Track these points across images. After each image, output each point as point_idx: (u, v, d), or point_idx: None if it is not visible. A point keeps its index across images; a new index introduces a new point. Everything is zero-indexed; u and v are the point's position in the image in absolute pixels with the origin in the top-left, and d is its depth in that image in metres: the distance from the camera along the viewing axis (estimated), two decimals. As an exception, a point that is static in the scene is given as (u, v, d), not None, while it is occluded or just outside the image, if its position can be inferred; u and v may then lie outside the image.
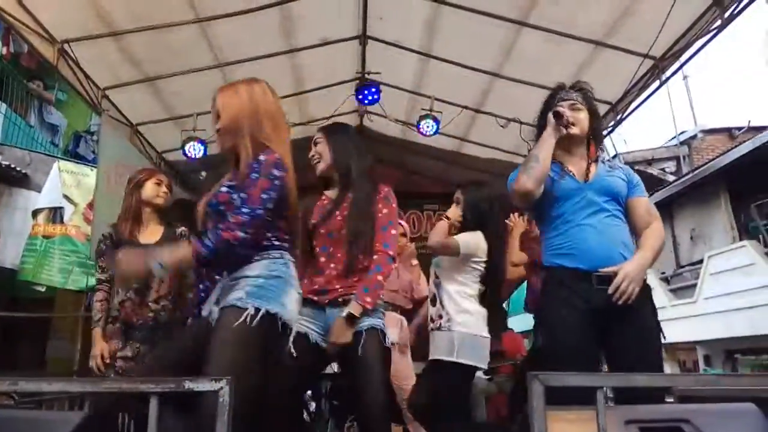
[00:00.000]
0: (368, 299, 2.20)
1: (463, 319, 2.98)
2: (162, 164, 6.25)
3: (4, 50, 6.48)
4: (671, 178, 12.05)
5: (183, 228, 3.04)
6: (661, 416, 1.57)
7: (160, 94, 5.13)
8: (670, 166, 13.04)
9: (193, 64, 4.81)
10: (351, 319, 2.18)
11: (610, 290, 2.04)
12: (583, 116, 2.29)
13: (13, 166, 4.82)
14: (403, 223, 4.25)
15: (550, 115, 2.24)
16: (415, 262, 4.09)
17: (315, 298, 2.29)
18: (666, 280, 10.55)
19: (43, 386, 1.30)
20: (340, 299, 2.26)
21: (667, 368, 9.25)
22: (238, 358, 1.74)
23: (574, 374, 1.29)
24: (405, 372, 3.90)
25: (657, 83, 4.58)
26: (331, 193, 2.46)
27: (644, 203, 2.28)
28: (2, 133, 6.12)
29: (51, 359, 5.36)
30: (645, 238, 2.21)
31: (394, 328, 3.87)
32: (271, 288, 1.86)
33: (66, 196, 5.32)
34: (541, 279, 2.34)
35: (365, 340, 2.20)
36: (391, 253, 2.31)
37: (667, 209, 10.45)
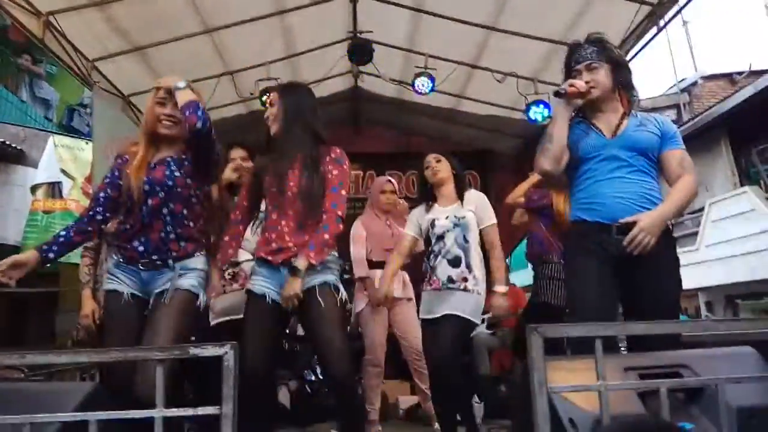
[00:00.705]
0: (312, 254, 2.27)
1: (483, 286, 3.13)
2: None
3: (-11, 25, 6.36)
4: (671, 126, 11.93)
5: None
6: (660, 362, 1.60)
7: (150, 63, 5.04)
8: (671, 114, 12.89)
9: (181, 30, 4.71)
10: (295, 272, 2.26)
11: (625, 242, 2.06)
12: (602, 75, 2.23)
13: (8, 143, 4.78)
14: (393, 180, 4.26)
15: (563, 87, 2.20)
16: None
17: (270, 258, 2.37)
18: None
19: (51, 358, 1.33)
20: (293, 259, 2.32)
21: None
22: (187, 326, 2.23)
23: (571, 325, 1.31)
24: (409, 326, 3.96)
25: (655, 30, 4.49)
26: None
27: (677, 156, 2.22)
28: (-6, 110, 6.07)
29: (60, 332, 5.44)
30: (671, 191, 2.19)
31: (397, 285, 3.91)
32: (205, 280, 2.34)
33: (63, 171, 5.30)
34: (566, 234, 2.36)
35: (318, 295, 2.29)
36: (339, 213, 2.37)
37: (668, 158, 10.40)
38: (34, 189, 5.01)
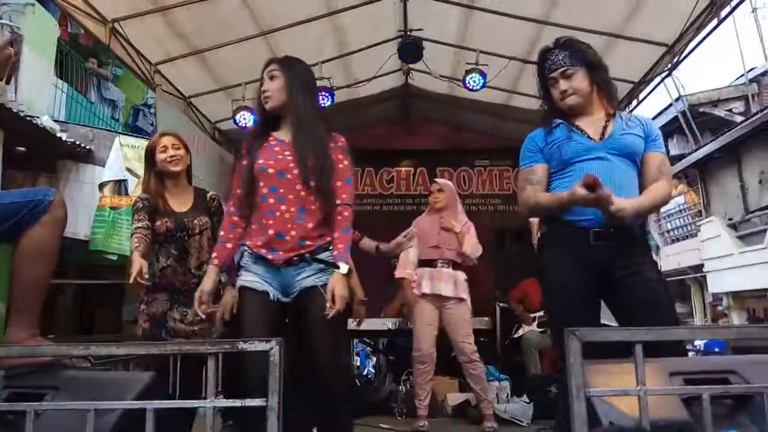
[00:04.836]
0: (348, 256, 2.18)
1: None
2: (216, 134, 6.43)
3: (62, 32, 6.72)
4: (739, 119, 11.35)
5: (213, 192, 3.02)
6: (707, 368, 1.56)
7: (208, 65, 5.25)
8: (738, 106, 12.27)
9: (238, 33, 4.88)
10: (349, 272, 2.14)
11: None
12: (578, 81, 2.15)
13: (77, 142, 5.05)
14: (439, 180, 4.31)
15: (577, 191, 1.95)
16: (464, 220, 4.11)
17: (269, 257, 2.16)
18: (734, 226, 10.03)
19: (112, 350, 1.43)
20: (295, 258, 2.15)
21: (736, 317, 8.95)
22: None
23: (611, 329, 1.30)
24: (458, 326, 3.96)
25: (716, 21, 4.30)
26: (279, 134, 2.29)
27: (658, 159, 2.16)
28: (66, 112, 6.42)
29: (126, 321, 5.73)
30: (648, 189, 2.12)
31: (448, 284, 3.95)
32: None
33: (128, 169, 5.56)
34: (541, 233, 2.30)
35: (319, 296, 2.11)
36: (353, 207, 2.26)
37: (734, 153, 9.85)
38: (101, 186, 5.27)
